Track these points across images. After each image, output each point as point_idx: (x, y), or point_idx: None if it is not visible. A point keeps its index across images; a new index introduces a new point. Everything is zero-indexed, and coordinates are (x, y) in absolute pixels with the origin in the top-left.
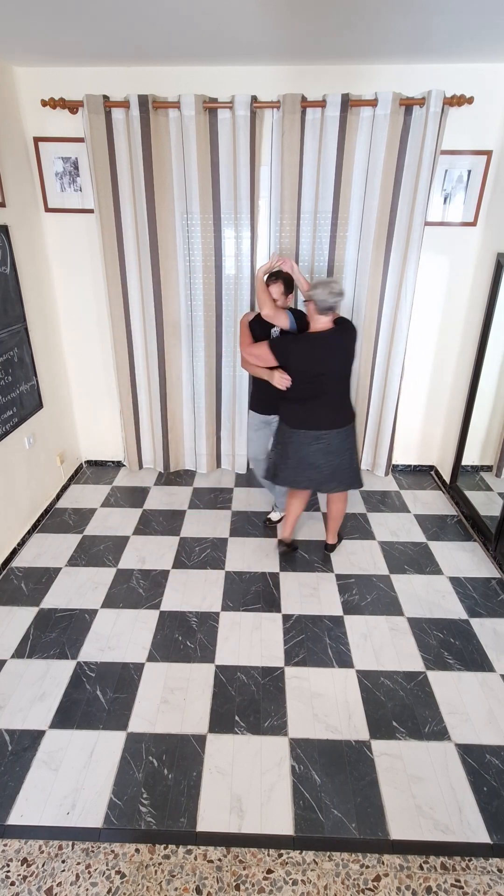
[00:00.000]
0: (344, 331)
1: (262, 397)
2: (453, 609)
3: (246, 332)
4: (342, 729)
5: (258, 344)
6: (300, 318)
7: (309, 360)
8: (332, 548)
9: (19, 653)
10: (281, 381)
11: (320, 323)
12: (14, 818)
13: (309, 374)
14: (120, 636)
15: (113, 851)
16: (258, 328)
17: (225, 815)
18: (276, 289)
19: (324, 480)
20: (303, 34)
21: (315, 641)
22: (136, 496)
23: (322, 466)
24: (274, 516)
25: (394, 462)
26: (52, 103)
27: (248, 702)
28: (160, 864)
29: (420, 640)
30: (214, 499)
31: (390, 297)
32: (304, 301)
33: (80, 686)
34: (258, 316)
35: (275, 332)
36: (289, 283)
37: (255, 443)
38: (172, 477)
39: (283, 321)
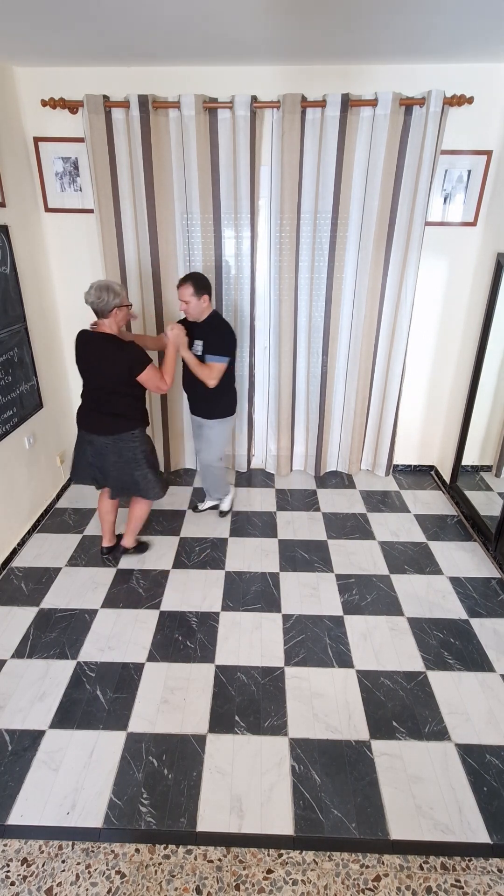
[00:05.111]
0: (111, 348)
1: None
2: (453, 609)
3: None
4: (342, 729)
5: (157, 370)
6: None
7: (78, 357)
8: (122, 550)
9: (19, 653)
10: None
11: (98, 325)
12: (14, 818)
13: (81, 371)
14: (120, 636)
15: (113, 851)
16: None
17: (225, 815)
18: (186, 290)
19: (105, 481)
20: (303, 34)
21: (315, 641)
22: None
23: (97, 466)
24: (201, 505)
25: (394, 462)
26: (52, 103)
27: (248, 702)
28: (160, 864)
29: (420, 640)
30: None
31: (390, 297)
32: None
33: (80, 686)
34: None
35: (197, 346)
36: (200, 285)
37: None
38: (172, 476)
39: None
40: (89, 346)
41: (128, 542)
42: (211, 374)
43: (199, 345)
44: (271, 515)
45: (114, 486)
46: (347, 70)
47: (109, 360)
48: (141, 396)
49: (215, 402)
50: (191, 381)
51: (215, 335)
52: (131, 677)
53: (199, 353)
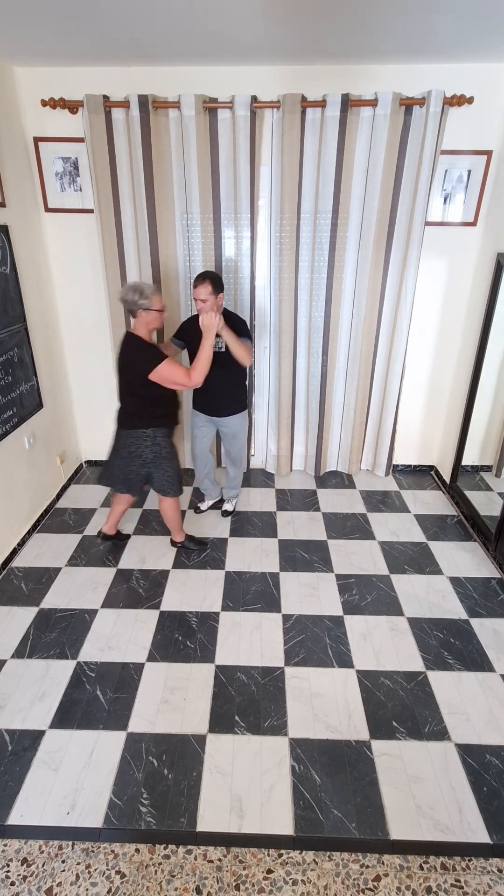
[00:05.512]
0: (128, 346)
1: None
2: (453, 609)
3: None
4: (342, 729)
5: (178, 366)
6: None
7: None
8: (171, 544)
9: (19, 653)
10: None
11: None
12: (14, 818)
13: None
14: (120, 636)
15: (113, 851)
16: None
17: (225, 815)
18: (205, 289)
19: (112, 474)
20: (303, 34)
21: (315, 641)
22: None
23: (110, 460)
24: (202, 505)
25: (394, 462)
26: (52, 103)
27: (248, 702)
28: (160, 864)
29: (420, 640)
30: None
31: (390, 297)
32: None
33: (80, 686)
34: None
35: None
36: (217, 283)
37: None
38: None
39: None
40: (121, 343)
41: (175, 537)
42: (250, 352)
43: (219, 341)
44: (271, 515)
45: (117, 478)
46: (347, 70)
47: (124, 359)
48: (152, 398)
49: (236, 397)
50: (210, 382)
51: (239, 323)
52: (131, 677)
53: (221, 350)
